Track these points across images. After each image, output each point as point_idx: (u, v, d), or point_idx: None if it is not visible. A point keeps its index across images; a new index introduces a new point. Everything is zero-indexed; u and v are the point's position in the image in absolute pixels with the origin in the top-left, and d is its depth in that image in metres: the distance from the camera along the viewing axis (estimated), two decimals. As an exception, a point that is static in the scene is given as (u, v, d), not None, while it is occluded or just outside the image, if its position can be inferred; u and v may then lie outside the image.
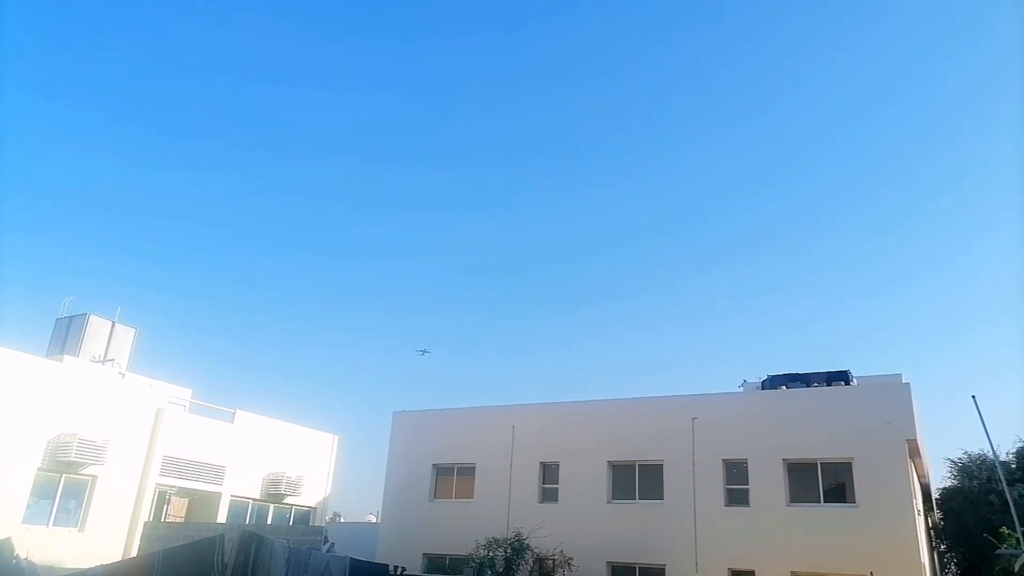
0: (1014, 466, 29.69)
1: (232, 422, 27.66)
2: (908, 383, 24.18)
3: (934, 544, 31.33)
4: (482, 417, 30.45)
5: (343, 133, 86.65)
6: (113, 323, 27.13)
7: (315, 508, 30.22)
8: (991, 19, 71.81)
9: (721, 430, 25.50)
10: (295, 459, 29.68)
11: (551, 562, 25.19)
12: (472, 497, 29.11)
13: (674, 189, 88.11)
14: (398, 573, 18.30)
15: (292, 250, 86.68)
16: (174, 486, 25.35)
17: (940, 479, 34.23)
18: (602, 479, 26.98)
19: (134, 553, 21.56)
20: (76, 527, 22.39)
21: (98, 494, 22.88)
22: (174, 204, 77.56)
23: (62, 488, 22.15)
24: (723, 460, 25.13)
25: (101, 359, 26.07)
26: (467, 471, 29.98)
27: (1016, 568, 14.53)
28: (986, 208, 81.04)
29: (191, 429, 26.10)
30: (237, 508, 27.00)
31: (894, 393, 23.73)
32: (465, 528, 27.13)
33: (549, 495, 27.81)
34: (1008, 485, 19.91)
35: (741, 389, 28.77)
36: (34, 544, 19.50)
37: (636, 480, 26.63)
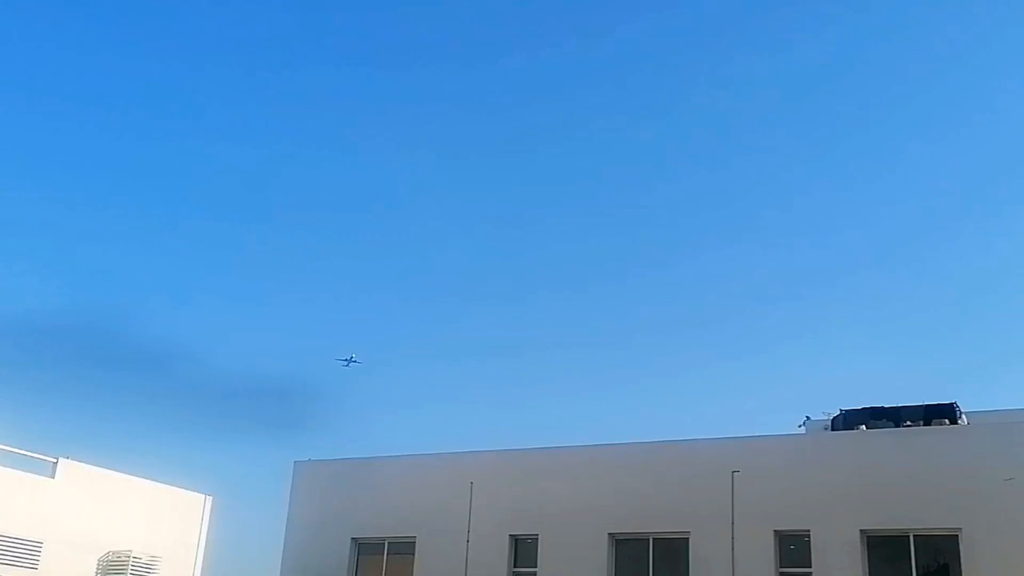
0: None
1: (53, 476, 23.98)
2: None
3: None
4: (427, 469, 25.90)
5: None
6: None
7: (178, 603, 26.37)
8: None
9: (773, 489, 21.65)
10: (148, 529, 25.58)
11: None
12: (411, 587, 25.31)
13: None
14: None
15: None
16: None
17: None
18: (600, 560, 22.98)
19: None
20: None
21: None
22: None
23: None
24: (775, 532, 21.48)
25: None
26: (404, 548, 25.55)
27: None
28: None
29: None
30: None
31: (1020, 436, 20.52)
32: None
33: (524, 584, 24.51)
34: None
35: (802, 429, 25.29)
36: None
37: (650, 562, 22.96)
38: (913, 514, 20.24)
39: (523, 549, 24.14)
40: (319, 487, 26.92)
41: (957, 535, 19.69)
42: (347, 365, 39.80)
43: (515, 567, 23.92)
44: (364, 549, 25.93)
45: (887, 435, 22.20)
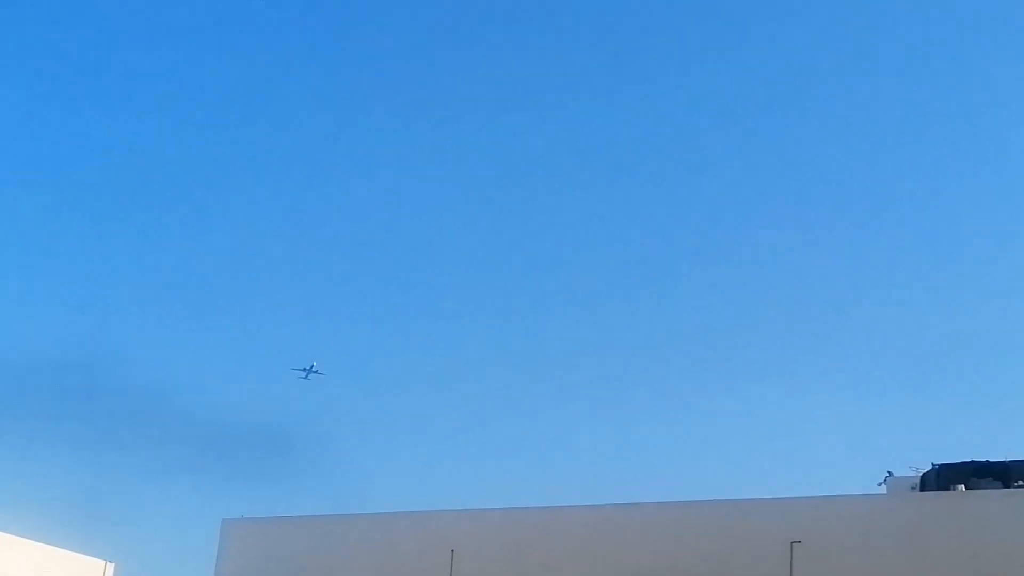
0: None
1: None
2: None
3: None
4: (395, 532, 20.68)
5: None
6: None
7: None
8: None
9: (845, 560, 17.33)
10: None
11: None
12: None
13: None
14: None
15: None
16: None
17: None
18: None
19: None
20: None
21: None
22: None
23: None
24: (846, 619, 18.34)
25: None
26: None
27: None
28: None
29: None
30: None
31: None
32: None
33: None
34: None
35: (882, 488, 21.09)
36: None
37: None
38: (1026, 589, 17.14)
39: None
40: (254, 550, 22.30)
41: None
42: (306, 377, 35.14)
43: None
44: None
45: (994, 496, 18.03)
